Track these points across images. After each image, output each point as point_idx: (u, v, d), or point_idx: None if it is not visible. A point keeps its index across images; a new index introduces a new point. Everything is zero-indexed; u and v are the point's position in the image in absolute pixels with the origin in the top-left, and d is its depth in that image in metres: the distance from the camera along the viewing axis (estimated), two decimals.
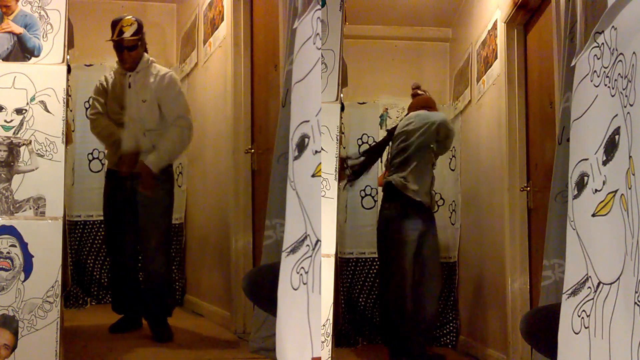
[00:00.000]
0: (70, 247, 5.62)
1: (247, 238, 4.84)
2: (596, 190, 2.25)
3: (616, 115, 2.15)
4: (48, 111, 3.29)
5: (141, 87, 4.54)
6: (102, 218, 5.71)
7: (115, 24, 4.54)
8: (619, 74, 2.12)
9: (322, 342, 2.99)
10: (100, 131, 4.67)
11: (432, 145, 4.91)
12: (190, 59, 5.77)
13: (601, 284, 2.19)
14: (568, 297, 2.37)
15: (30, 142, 3.26)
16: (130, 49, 4.52)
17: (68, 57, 3.36)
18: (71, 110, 5.63)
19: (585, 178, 2.33)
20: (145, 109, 4.52)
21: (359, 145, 5.73)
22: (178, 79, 4.77)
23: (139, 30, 4.55)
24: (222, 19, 5.16)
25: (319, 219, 2.66)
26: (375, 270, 5.62)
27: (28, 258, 3.21)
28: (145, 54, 4.61)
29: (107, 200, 4.67)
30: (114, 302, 4.75)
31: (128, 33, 4.50)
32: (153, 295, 4.51)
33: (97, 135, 4.75)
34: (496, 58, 4.88)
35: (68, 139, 3.39)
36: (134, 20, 4.54)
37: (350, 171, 4.90)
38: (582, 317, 2.26)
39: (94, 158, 5.77)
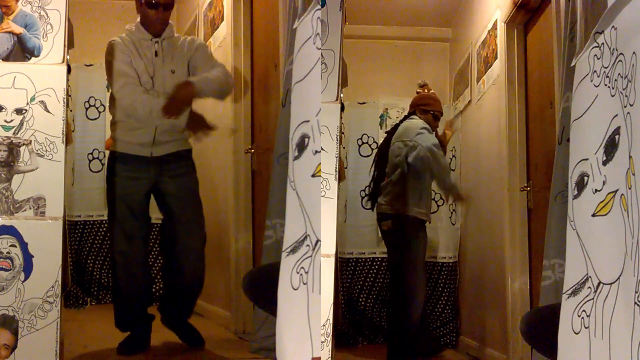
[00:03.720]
0: (70, 247, 5.62)
1: (247, 238, 4.84)
2: (596, 190, 2.25)
3: (616, 115, 2.15)
4: (48, 111, 3.29)
5: (168, 55, 4.04)
6: (102, 218, 5.72)
7: None
8: (619, 74, 2.12)
9: (322, 342, 2.99)
10: (132, 102, 3.97)
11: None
12: None
13: (601, 284, 2.19)
14: (568, 297, 2.37)
15: (30, 142, 3.26)
16: (165, 8, 3.98)
17: (68, 57, 3.36)
18: (71, 110, 5.62)
19: (585, 178, 2.34)
20: (173, 82, 3.99)
21: (359, 146, 5.73)
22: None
23: None
24: (222, 19, 5.16)
25: (319, 219, 2.66)
26: (375, 270, 5.63)
27: (28, 258, 3.21)
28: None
29: (122, 189, 4.02)
30: (117, 318, 4.17)
31: None
32: (188, 300, 4.20)
33: (129, 107, 4.00)
34: (496, 58, 4.88)
35: (68, 139, 3.39)
36: None
37: None
38: (582, 317, 2.26)
39: (94, 158, 5.77)
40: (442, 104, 5.87)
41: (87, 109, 5.81)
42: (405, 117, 5.19)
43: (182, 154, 4.13)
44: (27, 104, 3.28)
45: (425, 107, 5.11)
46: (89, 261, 5.72)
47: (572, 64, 2.63)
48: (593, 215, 2.25)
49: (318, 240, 2.63)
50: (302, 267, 2.67)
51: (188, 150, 4.18)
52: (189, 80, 3.97)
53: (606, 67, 2.24)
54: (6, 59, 3.31)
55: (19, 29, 3.33)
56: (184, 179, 4.12)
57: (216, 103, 5.22)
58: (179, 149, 4.11)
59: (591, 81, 2.36)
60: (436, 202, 5.63)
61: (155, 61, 4.03)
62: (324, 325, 3.03)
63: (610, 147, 2.17)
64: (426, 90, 5.20)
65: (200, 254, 4.19)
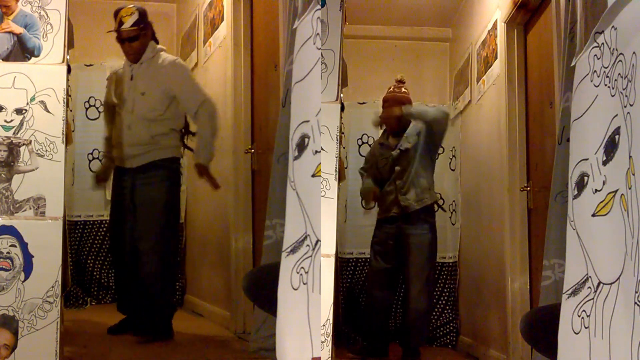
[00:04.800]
0: (70, 247, 5.61)
1: (247, 238, 4.84)
2: (596, 190, 2.25)
3: (616, 115, 2.15)
4: (48, 111, 3.29)
5: (142, 79, 4.38)
6: (102, 218, 5.74)
7: (116, 14, 4.37)
8: (619, 74, 2.13)
9: (322, 342, 3.00)
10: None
11: None
12: (190, 59, 5.77)
13: (601, 284, 2.19)
14: (568, 297, 2.37)
15: (30, 142, 3.26)
16: (131, 40, 4.34)
17: (68, 57, 3.36)
18: (71, 110, 5.62)
19: (585, 178, 2.34)
20: (142, 102, 4.35)
21: (359, 146, 5.73)
22: (185, 63, 4.56)
23: (141, 20, 4.34)
24: (222, 19, 5.16)
25: (319, 219, 2.66)
26: None
27: (28, 258, 3.21)
28: (153, 43, 4.42)
29: (112, 196, 4.66)
30: (118, 302, 4.70)
31: (128, 24, 4.32)
32: (147, 297, 4.38)
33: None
34: (496, 58, 4.88)
35: (68, 139, 3.40)
36: (134, 10, 4.35)
37: None
38: (582, 317, 2.26)
39: (94, 158, 5.76)
40: (442, 104, 5.88)
41: (87, 109, 5.80)
42: None
43: (155, 164, 4.37)
44: (27, 104, 3.28)
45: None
46: (89, 261, 5.72)
47: (572, 64, 2.64)
48: (593, 215, 2.25)
49: (318, 240, 2.64)
50: (302, 267, 2.68)
51: (164, 159, 4.39)
52: (202, 164, 4.36)
53: (606, 67, 2.25)
54: (6, 59, 3.31)
55: (19, 29, 3.33)
56: (150, 188, 4.37)
57: (217, 102, 5.23)
58: (154, 159, 4.37)
59: (591, 81, 2.36)
60: (436, 202, 5.63)
61: (130, 85, 4.40)
62: (324, 325, 3.03)
63: (610, 147, 2.17)
64: (387, 91, 5.13)
65: (152, 261, 4.33)
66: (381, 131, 5.24)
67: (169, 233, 4.47)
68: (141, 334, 4.35)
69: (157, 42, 4.48)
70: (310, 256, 2.65)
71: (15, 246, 3.21)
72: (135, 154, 4.37)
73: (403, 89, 5.08)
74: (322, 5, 2.87)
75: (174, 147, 4.45)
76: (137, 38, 4.35)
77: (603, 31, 2.27)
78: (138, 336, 4.34)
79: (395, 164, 4.97)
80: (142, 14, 4.36)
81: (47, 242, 3.24)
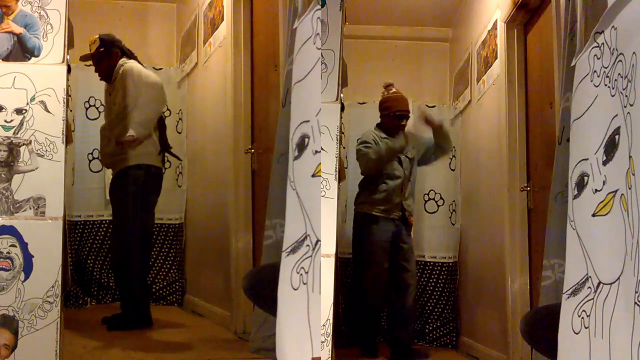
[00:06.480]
0: (70, 247, 5.61)
1: (247, 238, 4.84)
2: (596, 190, 2.25)
3: (616, 115, 2.15)
4: (48, 111, 3.29)
5: (116, 92, 4.76)
6: (102, 218, 5.77)
7: None
8: (619, 74, 2.13)
9: (322, 342, 3.00)
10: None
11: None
12: (190, 59, 5.78)
13: (601, 284, 2.19)
14: (568, 297, 2.37)
15: (30, 142, 3.26)
16: (97, 63, 4.87)
17: (68, 57, 3.36)
18: (71, 110, 5.62)
19: (585, 178, 2.34)
20: (116, 111, 4.75)
21: None
22: (129, 68, 4.79)
23: (102, 45, 4.82)
24: (222, 19, 5.16)
25: (319, 219, 2.66)
26: None
27: (28, 258, 3.21)
28: (123, 61, 4.80)
29: None
30: None
31: (92, 50, 4.86)
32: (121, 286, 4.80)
33: None
34: (496, 58, 4.88)
35: (68, 139, 3.39)
36: (96, 38, 4.85)
37: None
38: (582, 317, 2.26)
39: (94, 158, 5.77)
40: (442, 104, 5.88)
41: (87, 109, 5.81)
42: None
43: (122, 172, 4.74)
44: (27, 104, 3.28)
45: (384, 111, 5.16)
46: (89, 261, 5.72)
47: (572, 64, 2.64)
48: (593, 215, 2.25)
49: (318, 240, 2.64)
50: (302, 267, 2.68)
51: (127, 167, 4.73)
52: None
53: (606, 67, 2.25)
54: (6, 59, 3.31)
55: (19, 29, 3.33)
56: (117, 193, 4.81)
57: (217, 102, 5.24)
58: (121, 167, 4.74)
59: (591, 81, 2.37)
60: (436, 202, 5.64)
61: (108, 100, 4.88)
62: (324, 325, 3.03)
63: (610, 147, 2.17)
64: (387, 92, 5.17)
65: (116, 251, 4.80)
66: (377, 132, 5.24)
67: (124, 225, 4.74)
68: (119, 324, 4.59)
69: (134, 58, 4.87)
70: (310, 256, 2.65)
71: (15, 246, 3.21)
72: (110, 162, 4.87)
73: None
74: (322, 5, 2.87)
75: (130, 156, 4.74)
76: (101, 61, 4.85)
77: (603, 31, 2.27)
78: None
79: (401, 164, 5.02)
80: (104, 40, 4.85)
81: (47, 242, 3.23)
